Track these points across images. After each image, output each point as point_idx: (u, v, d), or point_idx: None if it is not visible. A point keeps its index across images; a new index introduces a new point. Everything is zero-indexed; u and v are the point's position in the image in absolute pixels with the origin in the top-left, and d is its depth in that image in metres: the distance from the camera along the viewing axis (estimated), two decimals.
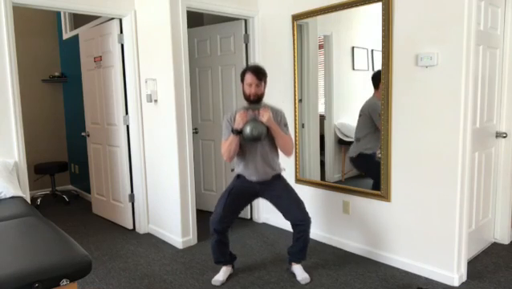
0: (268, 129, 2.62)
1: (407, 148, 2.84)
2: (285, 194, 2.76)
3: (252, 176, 2.73)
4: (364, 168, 3.26)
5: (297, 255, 2.83)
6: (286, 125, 2.77)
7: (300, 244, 2.76)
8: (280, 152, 2.78)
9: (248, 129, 2.55)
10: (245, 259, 3.16)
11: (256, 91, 2.64)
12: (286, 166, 3.53)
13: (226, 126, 2.71)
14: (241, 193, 2.76)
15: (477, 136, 2.85)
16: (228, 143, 2.64)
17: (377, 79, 2.96)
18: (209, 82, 4.22)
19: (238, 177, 2.79)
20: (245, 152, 2.71)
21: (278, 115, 2.75)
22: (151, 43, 3.50)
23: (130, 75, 3.70)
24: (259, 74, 2.64)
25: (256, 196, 2.82)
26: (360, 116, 3.17)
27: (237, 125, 2.59)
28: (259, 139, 2.59)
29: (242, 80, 2.69)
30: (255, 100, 2.67)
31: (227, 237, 2.75)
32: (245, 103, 2.73)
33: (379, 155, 2.99)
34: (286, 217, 2.74)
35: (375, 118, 3.01)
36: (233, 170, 2.83)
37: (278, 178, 2.80)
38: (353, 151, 3.26)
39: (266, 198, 2.80)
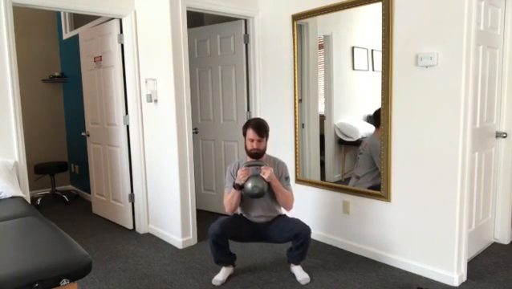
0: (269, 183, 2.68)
1: (407, 148, 2.84)
2: (282, 219, 2.82)
3: (254, 220, 2.83)
4: None
5: (296, 258, 2.83)
6: (287, 178, 2.83)
7: (300, 250, 2.76)
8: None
9: (249, 186, 2.61)
10: (245, 259, 3.16)
11: (258, 147, 2.70)
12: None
13: (229, 178, 2.81)
14: (246, 219, 2.84)
15: (477, 136, 2.85)
16: (230, 196, 2.74)
17: (378, 117, 2.96)
18: (209, 82, 4.22)
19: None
20: (246, 202, 2.80)
21: (279, 168, 2.82)
22: (151, 43, 3.50)
23: (130, 75, 3.70)
24: (261, 131, 2.69)
25: (258, 231, 2.82)
26: (361, 154, 3.19)
27: (239, 181, 2.65)
28: (260, 196, 2.65)
29: (244, 134, 2.74)
30: (256, 155, 2.72)
31: (225, 240, 2.73)
32: (246, 157, 2.79)
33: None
34: (287, 234, 2.71)
35: (376, 159, 3.02)
36: (237, 213, 2.94)
37: (279, 216, 2.88)
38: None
39: (268, 235, 2.80)
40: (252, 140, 2.69)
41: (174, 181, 3.44)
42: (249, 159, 2.77)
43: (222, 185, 4.20)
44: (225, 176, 2.89)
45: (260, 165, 2.68)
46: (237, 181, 2.67)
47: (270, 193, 2.73)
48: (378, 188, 3.01)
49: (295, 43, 3.51)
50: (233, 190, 2.71)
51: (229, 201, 2.74)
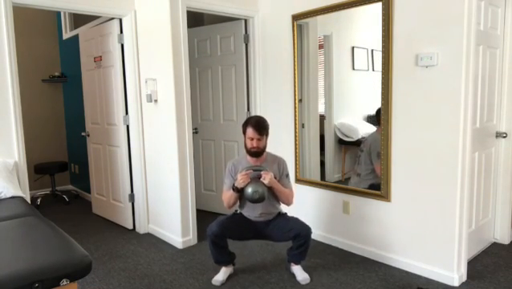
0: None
1: (407, 148, 2.84)
2: (282, 219, 2.82)
3: (254, 218, 2.81)
4: None
5: (296, 257, 2.83)
6: (287, 176, 2.84)
7: (301, 249, 2.76)
8: None
9: (249, 192, 2.60)
10: (245, 259, 3.16)
11: (257, 145, 2.69)
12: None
13: (227, 176, 2.81)
14: (245, 218, 2.82)
15: (477, 136, 2.85)
16: (228, 195, 2.74)
17: (379, 116, 2.94)
18: (209, 82, 4.22)
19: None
20: (246, 202, 2.76)
21: (279, 166, 2.82)
22: (151, 43, 3.50)
23: (130, 75, 3.70)
24: (261, 129, 2.68)
25: (258, 230, 2.81)
26: (362, 151, 3.18)
27: (239, 185, 2.64)
28: (260, 201, 2.65)
29: (244, 132, 2.73)
30: (256, 154, 2.72)
31: (224, 240, 2.74)
32: (245, 155, 2.79)
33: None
34: (288, 234, 2.72)
35: (373, 156, 3.01)
36: (236, 211, 2.91)
37: (279, 214, 2.87)
38: (354, 185, 3.24)
39: (268, 234, 2.80)
40: (252, 139, 2.68)
41: (174, 181, 3.44)
42: (248, 157, 2.76)
43: (222, 185, 4.20)
44: (225, 173, 2.88)
45: (260, 170, 2.67)
46: (236, 184, 2.66)
47: (270, 192, 2.73)
48: (378, 186, 3.00)
49: (295, 43, 3.51)
50: (231, 191, 2.71)
51: (227, 198, 2.76)
